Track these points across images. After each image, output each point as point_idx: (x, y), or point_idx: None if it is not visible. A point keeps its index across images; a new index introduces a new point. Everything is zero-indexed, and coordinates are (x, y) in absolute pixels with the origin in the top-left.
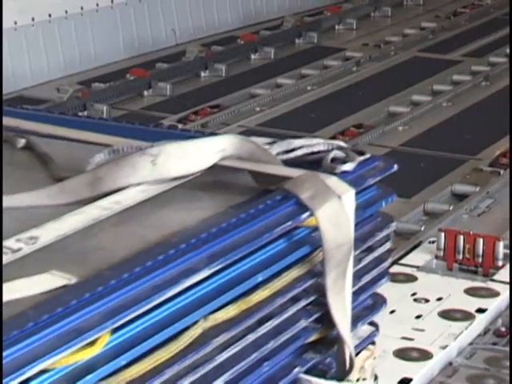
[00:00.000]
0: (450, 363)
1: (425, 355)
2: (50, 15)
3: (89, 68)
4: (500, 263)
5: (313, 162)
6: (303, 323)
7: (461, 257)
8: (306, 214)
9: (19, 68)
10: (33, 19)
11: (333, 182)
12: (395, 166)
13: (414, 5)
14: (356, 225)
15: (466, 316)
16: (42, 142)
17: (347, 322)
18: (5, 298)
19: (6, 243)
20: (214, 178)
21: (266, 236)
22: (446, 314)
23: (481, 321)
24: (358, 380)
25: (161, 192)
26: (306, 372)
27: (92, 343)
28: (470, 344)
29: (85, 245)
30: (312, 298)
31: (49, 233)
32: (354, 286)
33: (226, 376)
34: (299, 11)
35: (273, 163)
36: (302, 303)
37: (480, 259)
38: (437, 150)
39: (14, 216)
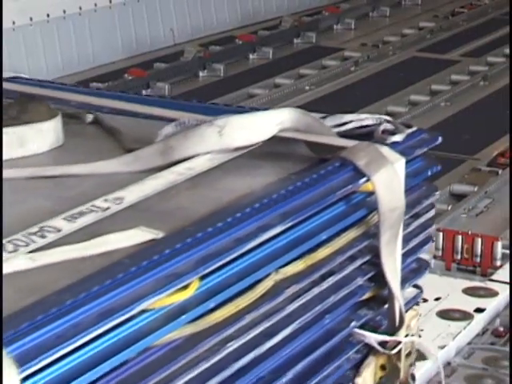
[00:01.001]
0: (449, 363)
1: (423, 355)
2: (48, 15)
3: (87, 68)
4: (498, 263)
5: (362, 135)
6: (359, 281)
7: (459, 257)
8: (363, 179)
9: (17, 68)
10: (31, 19)
11: (385, 151)
12: (440, 139)
13: (412, 5)
14: (405, 192)
15: (465, 316)
16: (108, 117)
17: (397, 281)
18: (100, 250)
19: (94, 202)
20: (273, 149)
21: (329, 198)
22: (445, 314)
23: (479, 321)
24: (406, 336)
25: (227, 160)
26: (360, 327)
27: (185, 287)
28: (469, 344)
29: (165, 205)
30: (367, 258)
31: (132, 194)
32: (402, 249)
33: (294, 325)
34: (297, 11)
35: (328, 135)
36: (359, 262)
37: (478, 259)
38: (435, 149)
39: (94, 181)
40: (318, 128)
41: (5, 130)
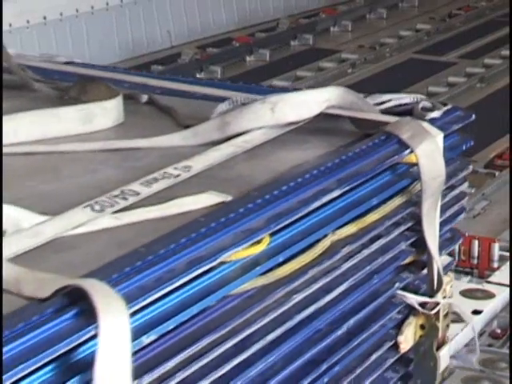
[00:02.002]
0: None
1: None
2: (45, 18)
3: None
4: (495, 265)
5: (401, 113)
6: (402, 245)
7: (456, 258)
8: (407, 151)
9: None
10: (28, 22)
11: (426, 125)
12: (473, 116)
13: (409, 7)
14: None
15: (462, 318)
16: (161, 98)
17: (436, 247)
18: (177, 211)
19: (166, 170)
20: (320, 125)
21: (377, 167)
22: None
23: (476, 323)
24: (443, 298)
25: (279, 135)
26: (401, 289)
27: (258, 243)
28: (466, 346)
29: (228, 173)
30: (409, 225)
31: (198, 163)
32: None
33: (348, 283)
34: (294, 13)
35: (371, 111)
36: (402, 228)
37: (476, 261)
38: None
39: (158, 153)
40: (362, 105)
41: (73, 108)
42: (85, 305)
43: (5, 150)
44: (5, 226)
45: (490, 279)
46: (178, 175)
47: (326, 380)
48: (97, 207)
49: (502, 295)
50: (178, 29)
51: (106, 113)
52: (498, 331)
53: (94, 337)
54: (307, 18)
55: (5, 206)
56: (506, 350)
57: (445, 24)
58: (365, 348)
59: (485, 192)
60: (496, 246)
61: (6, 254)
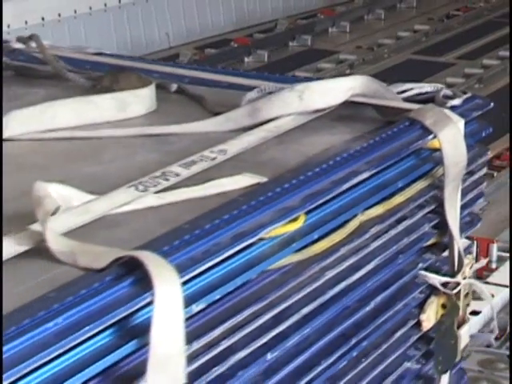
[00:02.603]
0: None
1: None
2: (43, 18)
3: None
4: (494, 265)
5: (422, 101)
6: (425, 227)
7: None
8: (431, 136)
9: None
10: (26, 22)
11: (447, 112)
12: (491, 104)
13: (407, 7)
14: None
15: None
16: (190, 87)
17: (457, 229)
18: (216, 191)
19: (203, 153)
20: (345, 112)
21: (403, 151)
22: None
23: (475, 323)
24: (464, 279)
25: (307, 121)
26: (424, 270)
27: (294, 220)
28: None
29: (261, 157)
30: (432, 207)
31: (233, 147)
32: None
33: (376, 261)
34: (293, 14)
35: (394, 99)
36: (425, 210)
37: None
38: None
39: (192, 138)
40: (385, 93)
41: (108, 96)
42: (140, 274)
43: (45, 135)
44: (58, 203)
45: (488, 280)
46: (214, 158)
47: (354, 354)
48: (140, 187)
49: (500, 296)
50: (177, 30)
51: (140, 100)
52: (497, 332)
53: (149, 303)
54: (305, 18)
55: (56, 185)
56: (504, 351)
57: (443, 25)
58: (390, 325)
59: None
60: (494, 247)
61: (59, 229)
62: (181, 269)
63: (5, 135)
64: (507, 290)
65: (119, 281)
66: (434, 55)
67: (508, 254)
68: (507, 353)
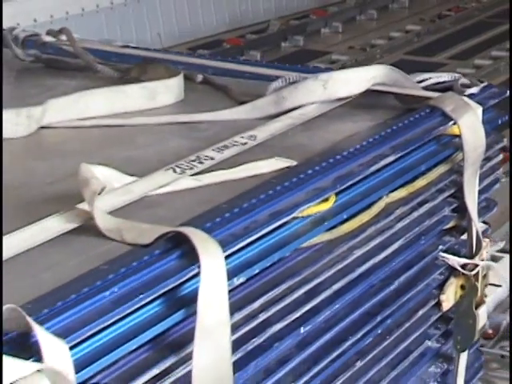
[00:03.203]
0: None
1: None
2: (35, 20)
3: None
4: None
5: (440, 90)
6: (446, 210)
7: None
8: (451, 122)
9: None
10: (18, 24)
11: (466, 100)
12: (508, 92)
13: (400, 8)
14: None
15: None
16: (215, 77)
17: (476, 213)
18: (249, 173)
19: (234, 138)
20: (367, 100)
21: (425, 137)
22: None
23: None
24: (481, 260)
25: (330, 109)
26: (443, 252)
27: (325, 200)
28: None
29: (289, 142)
30: (452, 191)
31: (262, 133)
32: None
33: (400, 242)
34: (285, 14)
35: (414, 88)
36: (446, 194)
37: None
38: None
39: (221, 126)
40: (405, 82)
41: (138, 85)
42: (185, 248)
43: (80, 123)
44: (104, 184)
45: None
46: (245, 143)
47: (379, 331)
48: (178, 170)
49: (492, 295)
50: (168, 30)
51: (169, 90)
52: (490, 331)
53: (195, 275)
54: (297, 19)
55: (100, 167)
56: (497, 351)
57: (435, 25)
58: (412, 305)
59: None
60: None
61: (105, 207)
62: (223, 244)
63: (43, 123)
64: (500, 289)
65: (167, 254)
66: (426, 55)
67: (501, 254)
68: (501, 352)
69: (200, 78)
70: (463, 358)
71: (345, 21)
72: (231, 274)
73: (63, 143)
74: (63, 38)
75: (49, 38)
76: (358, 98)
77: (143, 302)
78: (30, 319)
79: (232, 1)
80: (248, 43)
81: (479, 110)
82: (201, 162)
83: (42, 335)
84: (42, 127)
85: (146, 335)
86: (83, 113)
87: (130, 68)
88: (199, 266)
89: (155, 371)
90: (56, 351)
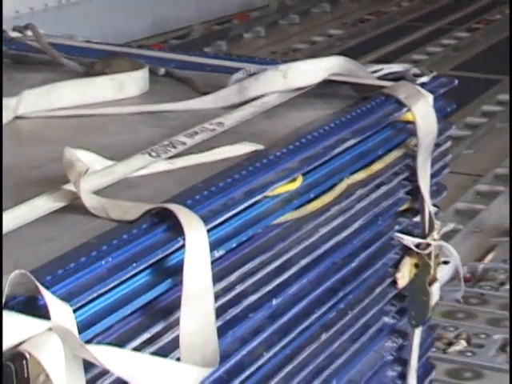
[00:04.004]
0: None
1: None
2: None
3: None
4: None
5: (393, 79)
6: (401, 193)
7: None
8: (405, 109)
9: None
10: None
11: (418, 88)
12: (456, 81)
13: (321, 12)
14: None
15: None
16: (177, 71)
17: (428, 195)
18: (220, 157)
19: (203, 125)
20: (325, 90)
21: (381, 122)
22: None
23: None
24: (434, 240)
25: (290, 98)
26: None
27: (293, 180)
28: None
29: (253, 129)
30: (406, 175)
31: (229, 120)
32: None
33: (360, 222)
34: (208, 20)
35: (369, 77)
36: (400, 177)
37: None
38: None
39: (188, 115)
40: (360, 72)
41: (107, 77)
42: (170, 223)
43: (54, 113)
44: (87, 166)
45: None
46: (213, 129)
47: (341, 306)
48: (153, 154)
49: (443, 271)
50: (90, 35)
51: (135, 82)
52: (468, 275)
53: (181, 247)
54: (220, 24)
55: (82, 151)
56: (476, 289)
57: (356, 29)
58: (370, 282)
59: None
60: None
61: (89, 188)
62: (204, 219)
63: (18, 113)
64: (449, 265)
65: (153, 228)
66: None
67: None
68: (480, 291)
69: (162, 71)
70: (417, 333)
71: (267, 25)
72: (211, 248)
73: (40, 132)
74: (29, 33)
75: (15, 34)
76: (315, 87)
77: (135, 271)
78: (38, 283)
79: (153, 6)
80: (171, 49)
81: (430, 97)
82: (174, 147)
83: (50, 298)
84: (17, 117)
85: (138, 302)
86: (56, 103)
87: (94, 62)
88: (184, 239)
89: (146, 335)
90: (62, 313)
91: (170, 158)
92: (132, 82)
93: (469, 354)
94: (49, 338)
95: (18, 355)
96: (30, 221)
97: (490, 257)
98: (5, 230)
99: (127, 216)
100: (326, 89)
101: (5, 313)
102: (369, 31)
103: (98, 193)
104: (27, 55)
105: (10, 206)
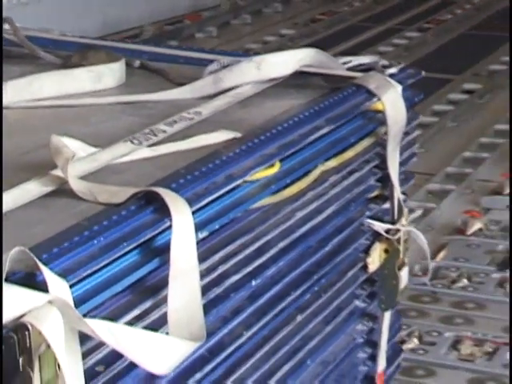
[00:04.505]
0: None
1: None
2: None
3: None
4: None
5: (362, 71)
6: (371, 180)
7: None
8: (375, 98)
9: None
10: None
11: (388, 79)
12: (423, 73)
13: (273, 12)
14: None
15: None
16: (151, 63)
17: (398, 182)
18: (200, 144)
19: (182, 114)
20: (297, 81)
21: (354, 111)
22: None
23: None
24: (402, 226)
25: (264, 88)
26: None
27: (271, 166)
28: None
29: (230, 117)
30: (376, 162)
31: (206, 109)
32: None
33: (333, 208)
34: (159, 19)
35: (339, 69)
36: (371, 165)
37: None
38: None
39: (166, 104)
40: (331, 64)
41: (86, 69)
42: (157, 205)
43: (36, 103)
44: (74, 152)
45: None
46: (192, 118)
47: (316, 289)
48: (135, 141)
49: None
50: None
51: (112, 73)
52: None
53: (167, 228)
54: (171, 24)
55: (67, 138)
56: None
57: (308, 29)
58: (342, 267)
59: None
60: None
61: (75, 173)
62: (189, 201)
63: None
64: None
65: (141, 210)
66: None
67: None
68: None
69: (137, 63)
70: (387, 317)
71: (219, 25)
72: (196, 229)
73: (23, 121)
74: (6, 27)
75: None
76: (288, 78)
77: (126, 250)
78: (37, 260)
79: (103, 6)
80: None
81: (399, 87)
82: (155, 135)
83: (48, 273)
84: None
85: (128, 279)
86: (37, 94)
87: (71, 54)
88: (171, 220)
89: (137, 312)
90: (59, 288)
91: (152, 145)
92: (110, 74)
93: (421, 351)
94: (49, 311)
95: (20, 326)
96: (21, 205)
97: (441, 255)
98: None
99: (114, 199)
100: (298, 80)
101: (7, 286)
102: (320, 31)
103: (84, 178)
104: (4, 49)
105: (4, 188)
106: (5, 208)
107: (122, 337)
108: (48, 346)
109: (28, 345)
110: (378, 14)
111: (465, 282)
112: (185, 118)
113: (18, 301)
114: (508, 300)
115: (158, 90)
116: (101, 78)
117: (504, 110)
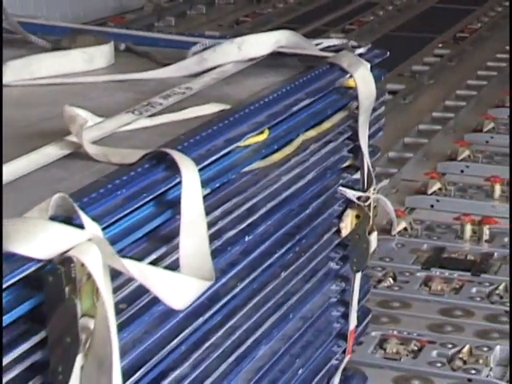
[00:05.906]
0: None
1: None
2: None
3: None
4: None
5: (334, 51)
6: (344, 151)
7: None
8: (348, 75)
9: None
10: None
11: (358, 58)
12: (388, 53)
13: (197, 14)
14: None
15: None
16: (136, 46)
17: (367, 153)
18: (193, 115)
19: (173, 89)
20: (273, 61)
21: (329, 86)
22: None
23: None
24: (372, 194)
25: (244, 68)
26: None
27: (261, 133)
28: None
29: (218, 93)
30: (348, 134)
31: (195, 85)
32: None
33: (312, 174)
34: (82, 22)
35: (313, 49)
36: (344, 136)
37: None
38: None
39: (156, 82)
40: (305, 45)
41: (79, 50)
42: (167, 164)
43: (36, 82)
44: (86, 120)
45: None
46: (184, 93)
47: (296, 249)
48: (136, 112)
49: None
50: None
51: (103, 55)
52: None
53: (178, 184)
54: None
55: (77, 109)
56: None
57: (233, 31)
58: (319, 230)
59: None
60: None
61: (88, 139)
62: (195, 161)
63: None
64: None
65: (154, 167)
66: None
67: None
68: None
69: (123, 46)
70: (358, 278)
71: (143, 28)
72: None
73: (27, 96)
74: None
75: None
76: (265, 59)
77: (145, 200)
78: (75, 205)
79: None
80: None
81: (368, 66)
82: (153, 107)
83: (84, 217)
84: (4, 85)
85: (146, 227)
86: (36, 73)
87: (60, 39)
88: (181, 176)
89: (153, 256)
90: (95, 230)
91: (151, 116)
92: (101, 55)
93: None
94: (90, 246)
95: (66, 259)
96: (42, 165)
97: None
98: (17, 174)
99: (127, 160)
100: (275, 60)
101: (54, 225)
102: (245, 33)
103: (94, 144)
104: None
105: (21, 153)
106: (27, 169)
107: (147, 274)
108: (88, 279)
109: (74, 275)
110: (301, 15)
111: (390, 281)
112: (178, 93)
113: (64, 238)
114: (432, 299)
115: (145, 70)
116: (93, 59)
117: (427, 111)
